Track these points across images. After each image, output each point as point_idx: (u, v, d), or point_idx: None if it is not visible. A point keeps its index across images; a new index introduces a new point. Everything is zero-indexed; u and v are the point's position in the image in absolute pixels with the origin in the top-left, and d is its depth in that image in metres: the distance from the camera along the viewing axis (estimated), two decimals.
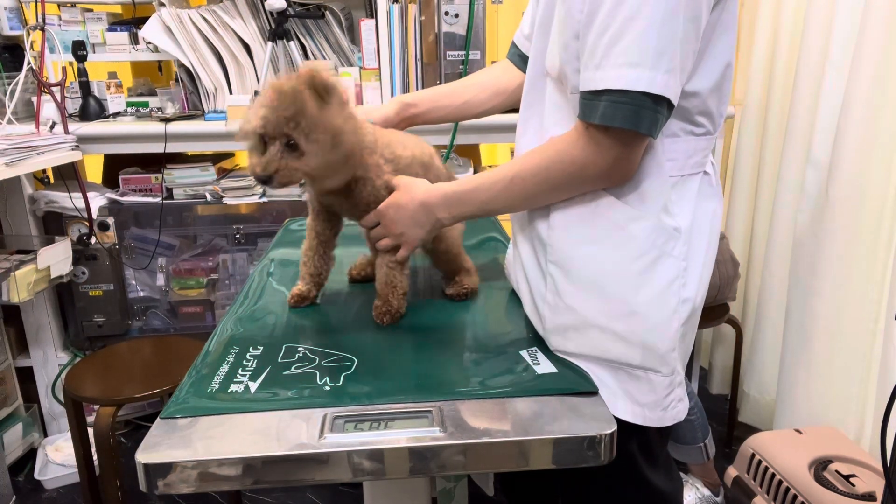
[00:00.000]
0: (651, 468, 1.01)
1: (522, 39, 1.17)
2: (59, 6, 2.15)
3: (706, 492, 1.91)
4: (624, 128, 0.80)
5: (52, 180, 2.26)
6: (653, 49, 0.76)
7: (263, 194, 2.20)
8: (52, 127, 2.05)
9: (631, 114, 0.79)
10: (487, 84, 1.23)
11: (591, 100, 0.81)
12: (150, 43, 2.13)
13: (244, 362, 0.95)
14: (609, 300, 0.90)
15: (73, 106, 2.17)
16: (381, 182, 1.04)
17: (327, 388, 0.87)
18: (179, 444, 0.77)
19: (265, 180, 0.91)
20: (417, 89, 2.14)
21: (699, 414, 1.85)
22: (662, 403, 0.92)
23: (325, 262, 1.15)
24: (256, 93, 2.10)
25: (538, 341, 0.99)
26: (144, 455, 0.75)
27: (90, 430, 1.66)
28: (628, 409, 0.91)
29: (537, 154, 0.90)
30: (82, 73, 2.13)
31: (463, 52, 2.04)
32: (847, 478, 1.56)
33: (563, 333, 0.95)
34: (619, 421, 0.84)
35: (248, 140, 0.93)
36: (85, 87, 2.15)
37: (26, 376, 2.24)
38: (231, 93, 2.17)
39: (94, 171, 2.49)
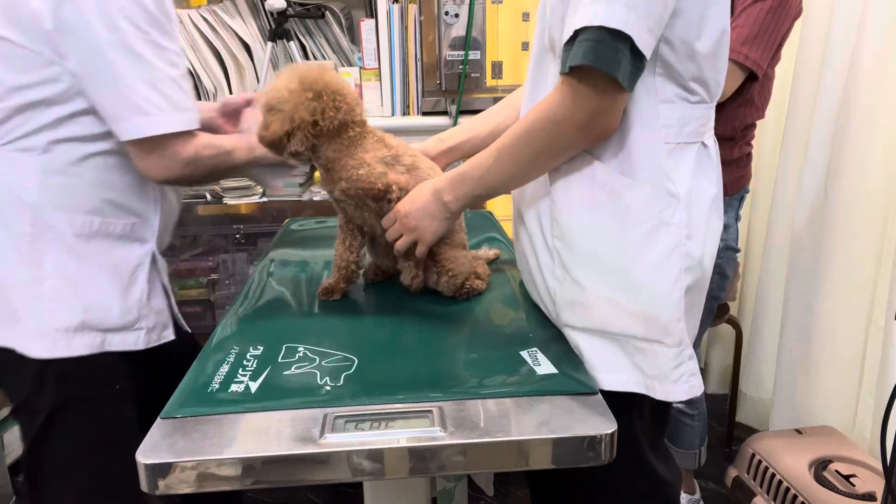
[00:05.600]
0: (654, 454, 1.01)
1: None
2: None
3: (685, 496, 1.91)
4: (584, 64, 0.80)
5: None
6: None
7: (263, 194, 2.20)
8: None
9: (589, 49, 0.79)
10: (519, 103, 1.23)
11: (566, 51, 0.83)
12: None
13: (244, 362, 0.95)
14: (610, 271, 0.91)
15: None
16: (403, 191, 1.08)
17: (327, 388, 0.87)
18: (179, 444, 0.77)
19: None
20: (417, 90, 2.14)
21: (702, 421, 1.84)
22: (671, 376, 0.91)
23: (350, 252, 1.15)
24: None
25: (538, 341, 0.99)
26: (144, 455, 0.75)
27: None
28: (638, 381, 0.92)
29: (522, 120, 0.91)
30: None
31: (463, 52, 2.04)
32: (847, 478, 1.56)
33: (571, 308, 0.96)
34: (621, 409, 0.84)
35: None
36: None
37: None
38: (231, 93, 2.17)
39: None
